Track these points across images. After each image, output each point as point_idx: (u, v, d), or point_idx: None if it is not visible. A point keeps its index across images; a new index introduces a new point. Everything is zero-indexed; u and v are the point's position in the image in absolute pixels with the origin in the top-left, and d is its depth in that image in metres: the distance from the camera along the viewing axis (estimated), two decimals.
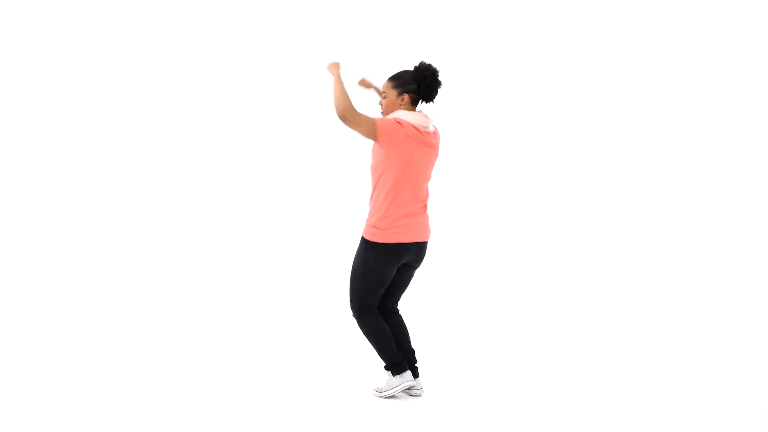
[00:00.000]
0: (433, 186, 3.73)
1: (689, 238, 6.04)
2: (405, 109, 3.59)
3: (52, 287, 5.63)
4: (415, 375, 3.74)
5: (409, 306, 4.17)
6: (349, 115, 3.44)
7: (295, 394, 3.77)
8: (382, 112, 3.64)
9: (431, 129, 3.60)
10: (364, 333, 3.72)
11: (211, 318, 5.15)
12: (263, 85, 6.36)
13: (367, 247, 3.61)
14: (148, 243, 6.17)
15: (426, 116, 3.58)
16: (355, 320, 3.73)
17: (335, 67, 3.58)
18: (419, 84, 3.57)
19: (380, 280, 3.63)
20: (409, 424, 3.42)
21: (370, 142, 3.58)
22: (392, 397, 3.69)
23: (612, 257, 6.03)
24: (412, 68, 3.60)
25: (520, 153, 6.36)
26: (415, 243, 3.62)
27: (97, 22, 6.19)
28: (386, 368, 3.71)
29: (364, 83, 3.80)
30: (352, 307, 3.72)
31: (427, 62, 3.59)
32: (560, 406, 3.59)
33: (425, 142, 3.55)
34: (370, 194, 3.62)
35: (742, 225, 5.97)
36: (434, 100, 3.64)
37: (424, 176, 3.61)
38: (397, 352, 3.68)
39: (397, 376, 3.67)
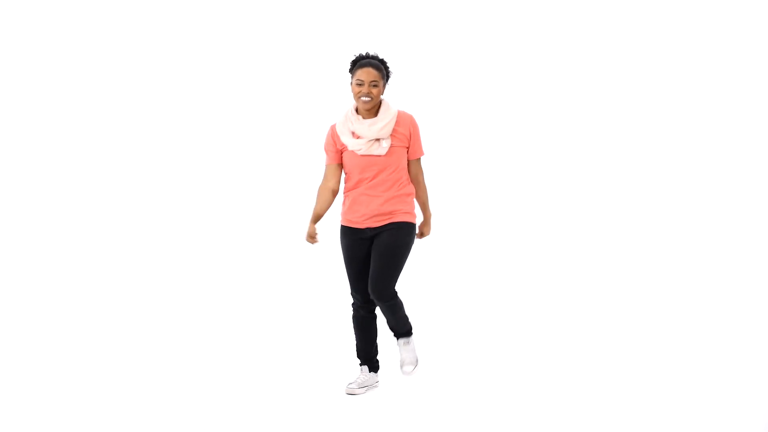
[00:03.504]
0: (431, 185, 3.76)
1: (689, 237, 6.03)
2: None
3: (52, 287, 5.63)
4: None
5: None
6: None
7: (297, 392, 3.78)
8: (370, 100, 3.59)
9: None
10: (397, 314, 3.76)
11: (211, 317, 5.16)
12: (263, 86, 6.36)
13: (412, 231, 3.72)
14: (148, 243, 6.17)
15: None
16: (384, 305, 3.73)
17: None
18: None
19: None
20: (411, 422, 3.42)
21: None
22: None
23: (611, 256, 6.02)
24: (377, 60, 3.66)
25: (518, 153, 6.35)
26: None
27: (97, 23, 6.19)
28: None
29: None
30: (390, 294, 3.72)
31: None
32: (559, 406, 3.59)
33: None
34: (393, 184, 3.65)
35: (742, 225, 5.96)
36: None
37: None
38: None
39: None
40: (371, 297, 3.74)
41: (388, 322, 3.84)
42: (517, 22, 6.27)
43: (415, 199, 3.77)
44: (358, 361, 3.90)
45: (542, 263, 6.04)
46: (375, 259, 3.69)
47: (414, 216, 3.75)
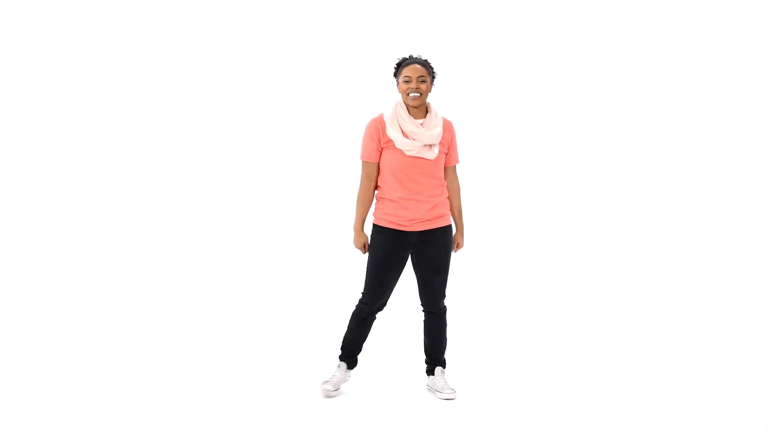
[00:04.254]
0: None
1: (690, 238, 6.03)
2: None
3: (51, 288, 5.62)
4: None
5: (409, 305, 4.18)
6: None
7: (296, 392, 3.79)
8: (420, 96, 3.55)
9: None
10: (444, 329, 3.78)
11: (211, 318, 5.16)
12: (263, 86, 6.35)
13: (452, 232, 3.73)
14: (148, 243, 6.16)
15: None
16: (438, 316, 3.75)
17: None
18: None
19: None
20: (411, 423, 3.43)
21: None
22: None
23: (612, 257, 6.02)
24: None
25: (519, 153, 6.35)
26: None
27: (97, 23, 6.19)
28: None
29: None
30: (443, 302, 3.76)
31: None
32: (558, 406, 3.59)
33: None
34: (437, 189, 3.61)
35: (742, 225, 5.96)
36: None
37: None
38: None
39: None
40: (428, 309, 3.73)
41: (430, 347, 3.78)
42: (527, 26, 6.27)
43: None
44: (339, 354, 3.83)
45: (547, 266, 6.03)
46: (432, 272, 3.66)
47: (450, 217, 3.74)
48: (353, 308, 3.77)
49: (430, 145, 3.56)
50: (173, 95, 6.30)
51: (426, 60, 3.62)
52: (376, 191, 3.70)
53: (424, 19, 6.24)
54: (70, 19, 6.15)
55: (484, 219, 6.26)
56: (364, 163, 3.65)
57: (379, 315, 3.78)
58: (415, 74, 3.53)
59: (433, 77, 3.63)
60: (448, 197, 3.72)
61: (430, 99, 3.72)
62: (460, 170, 3.71)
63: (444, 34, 6.24)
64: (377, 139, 3.60)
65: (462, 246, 3.80)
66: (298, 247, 6.20)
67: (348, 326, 3.79)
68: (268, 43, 6.31)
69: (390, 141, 3.57)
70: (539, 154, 6.33)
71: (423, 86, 3.54)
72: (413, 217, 3.59)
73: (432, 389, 3.77)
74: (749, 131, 6.08)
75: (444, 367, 3.80)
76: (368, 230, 3.75)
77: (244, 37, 6.29)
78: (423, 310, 3.78)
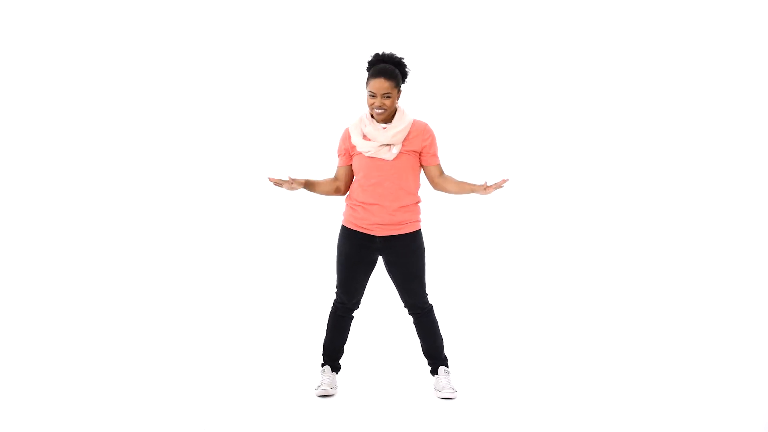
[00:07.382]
0: (427, 187, 3.75)
1: (690, 238, 6.03)
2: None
3: (50, 288, 5.62)
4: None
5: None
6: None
7: (295, 392, 3.78)
8: (384, 111, 3.53)
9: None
10: (435, 326, 3.77)
11: (210, 318, 5.15)
12: (263, 86, 6.35)
13: (421, 236, 3.71)
14: (146, 244, 6.15)
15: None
16: (424, 315, 3.74)
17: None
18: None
19: None
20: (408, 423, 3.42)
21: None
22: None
23: (612, 258, 6.02)
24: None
25: (518, 153, 6.34)
26: None
27: (97, 23, 6.19)
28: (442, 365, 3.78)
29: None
30: (426, 301, 3.75)
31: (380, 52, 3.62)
32: (559, 407, 3.58)
33: None
34: (400, 193, 3.59)
35: (742, 225, 5.96)
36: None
37: None
38: None
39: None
40: (411, 311, 3.75)
41: (426, 346, 3.78)
42: (524, 24, 6.27)
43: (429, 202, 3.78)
44: (321, 362, 3.85)
45: (547, 266, 6.03)
46: (403, 279, 3.67)
47: (420, 222, 3.72)
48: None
49: (389, 146, 3.55)
50: (165, 96, 6.30)
51: (397, 62, 3.57)
52: (346, 197, 3.73)
53: (417, 20, 6.24)
54: (68, 18, 6.16)
55: (484, 219, 6.27)
56: (336, 167, 3.72)
57: (378, 315, 3.78)
58: (380, 90, 3.50)
59: (404, 79, 3.60)
60: (451, 182, 3.63)
61: (402, 101, 3.69)
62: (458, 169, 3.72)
63: (438, 35, 6.24)
64: (347, 144, 3.65)
65: (491, 184, 3.51)
66: (284, 248, 6.18)
67: (326, 328, 3.81)
68: (262, 43, 6.31)
69: (354, 146, 3.62)
70: (537, 153, 6.33)
71: (387, 102, 3.51)
72: (375, 220, 3.60)
73: (435, 389, 3.77)
74: (749, 132, 6.08)
75: (447, 366, 3.79)
76: (335, 231, 3.76)
77: (238, 38, 6.29)
78: (408, 313, 3.78)
